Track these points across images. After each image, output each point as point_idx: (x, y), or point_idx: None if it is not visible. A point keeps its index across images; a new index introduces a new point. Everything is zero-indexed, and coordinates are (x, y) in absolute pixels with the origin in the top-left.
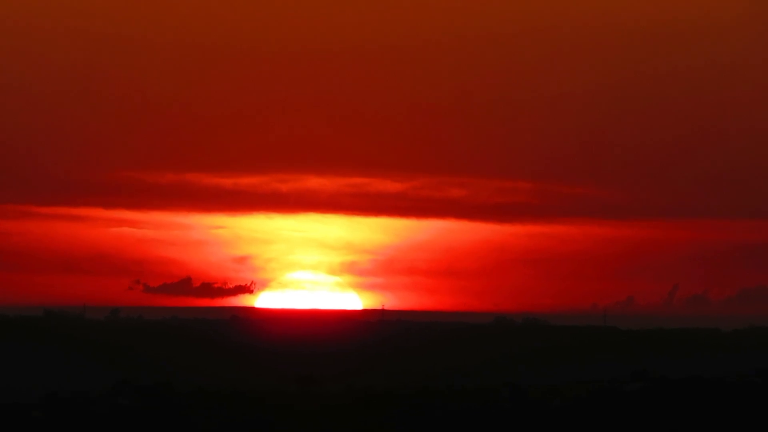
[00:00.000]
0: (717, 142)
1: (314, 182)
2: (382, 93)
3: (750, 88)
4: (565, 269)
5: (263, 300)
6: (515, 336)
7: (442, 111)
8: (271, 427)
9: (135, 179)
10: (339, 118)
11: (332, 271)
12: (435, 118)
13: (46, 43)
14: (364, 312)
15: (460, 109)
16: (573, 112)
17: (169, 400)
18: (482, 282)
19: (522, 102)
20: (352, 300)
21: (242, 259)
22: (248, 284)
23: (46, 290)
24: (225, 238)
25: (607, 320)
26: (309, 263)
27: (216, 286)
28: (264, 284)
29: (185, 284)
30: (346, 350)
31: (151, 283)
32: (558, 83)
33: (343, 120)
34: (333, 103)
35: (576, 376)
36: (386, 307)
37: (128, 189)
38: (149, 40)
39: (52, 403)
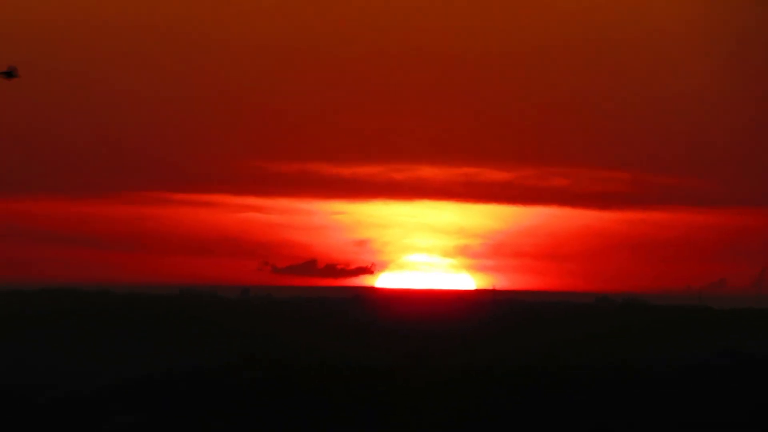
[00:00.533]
0: None
1: (427, 171)
2: (492, 91)
3: None
4: (661, 253)
5: (383, 280)
6: (616, 315)
7: (546, 106)
8: (388, 400)
9: (261, 168)
10: (451, 112)
11: (446, 254)
12: (539, 113)
13: (189, 52)
14: (477, 292)
15: (563, 105)
16: (666, 109)
17: (294, 373)
18: (584, 264)
19: (620, 99)
20: (465, 280)
21: (362, 243)
22: (369, 266)
23: (181, 271)
24: (345, 223)
25: (702, 300)
26: (424, 246)
27: (339, 267)
28: (383, 266)
29: (310, 265)
30: (459, 327)
31: (279, 265)
32: (654, 83)
33: (454, 114)
34: (445, 99)
35: (672, 352)
36: (497, 288)
37: (255, 177)
38: (274, 44)
39: (189, 376)
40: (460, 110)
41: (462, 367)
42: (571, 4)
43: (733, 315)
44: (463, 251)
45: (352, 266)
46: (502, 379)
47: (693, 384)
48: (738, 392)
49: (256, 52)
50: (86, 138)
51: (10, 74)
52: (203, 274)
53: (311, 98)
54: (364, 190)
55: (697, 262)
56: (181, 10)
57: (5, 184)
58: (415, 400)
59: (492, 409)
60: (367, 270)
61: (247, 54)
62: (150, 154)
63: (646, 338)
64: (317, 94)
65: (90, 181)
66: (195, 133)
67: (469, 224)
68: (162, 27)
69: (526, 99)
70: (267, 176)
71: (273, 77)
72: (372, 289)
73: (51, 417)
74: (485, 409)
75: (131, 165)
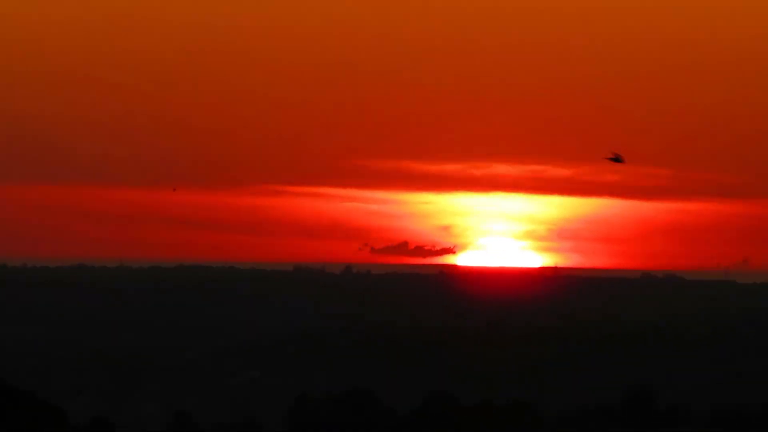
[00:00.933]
0: None
1: (501, 169)
2: (555, 100)
3: None
4: (695, 237)
5: (463, 259)
6: (657, 288)
7: (601, 114)
8: (467, 357)
9: (361, 166)
10: (521, 118)
11: (516, 237)
12: (596, 119)
13: (304, 66)
14: (542, 269)
15: (617, 112)
16: (702, 115)
17: (391, 338)
18: (632, 246)
19: (664, 107)
20: (533, 259)
21: (446, 228)
22: (451, 247)
23: (294, 250)
24: (432, 212)
25: (728, 276)
26: (498, 231)
27: (426, 248)
28: (463, 247)
29: (403, 247)
30: (528, 297)
31: (376, 246)
32: (692, 93)
33: (524, 120)
34: (515, 108)
35: (702, 317)
36: (559, 265)
37: (356, 173)
38: (372, 59)
39: (304, 339)
40: (528, 116)
41: (529, 329)
42: (635, 16)
43: (755, 288)
44: (530, 235)
45: (438, 247)
46: (561, 339)
47: (723, 345)
48: (761, 351)
49: (355, 67)
50: (218, 138)
51: (617, 159)
52: (313, 254)
53: (404, 107)
54: (447, 184)
55: (725, 245)
56: (299, 22)
57: (146, 176)
58: (489, 357)
59: (550, 364)
60: (450, 251)
61: (351, 67)
62: (270, 153)
63: (683, 307)
64: (409, 103)
65: (219, 175)
66: (307, 135)
67: (536, 213)
68: (282, 44)
69: (586, 107)
70: (366, 172)
71: (372, 90)
72: (454, 267)
73: (188, 372)
74: (547, 364)
75: (254, 162)
